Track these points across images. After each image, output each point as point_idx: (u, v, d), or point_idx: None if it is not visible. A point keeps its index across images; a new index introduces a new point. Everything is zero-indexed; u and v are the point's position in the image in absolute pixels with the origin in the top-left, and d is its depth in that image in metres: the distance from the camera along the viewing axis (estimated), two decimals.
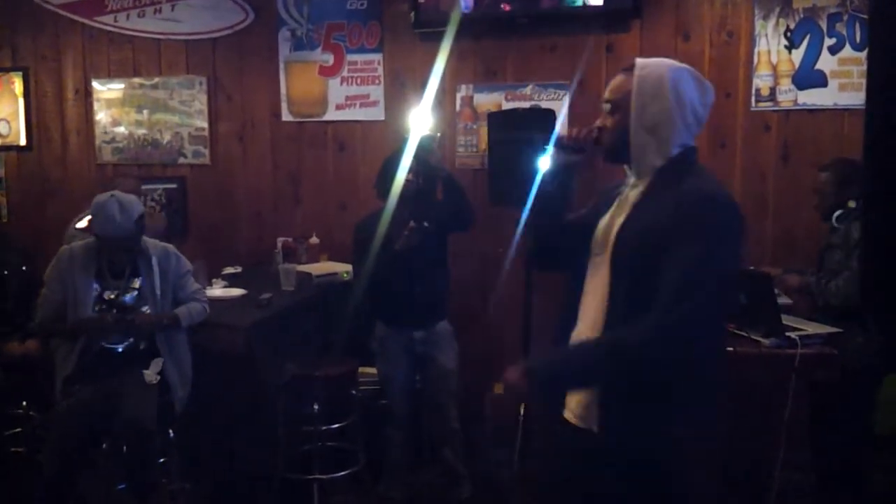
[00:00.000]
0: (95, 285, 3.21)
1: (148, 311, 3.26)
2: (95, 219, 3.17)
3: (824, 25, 4.01)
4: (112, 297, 3.24)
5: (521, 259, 3.88)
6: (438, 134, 3.75)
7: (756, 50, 4.12)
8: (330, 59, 4.75)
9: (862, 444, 3.38)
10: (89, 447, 3.12)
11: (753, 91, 4.14)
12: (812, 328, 3.00)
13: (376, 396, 3.85)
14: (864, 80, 3.95)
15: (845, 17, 3.97)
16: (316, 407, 3.56)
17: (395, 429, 3.63)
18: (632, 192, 1.87)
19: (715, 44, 4.19)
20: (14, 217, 5.33)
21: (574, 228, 1.96)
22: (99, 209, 3.15)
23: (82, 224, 3.92)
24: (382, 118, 4.68)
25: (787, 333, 2.89)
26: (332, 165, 4.84)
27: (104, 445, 3.19)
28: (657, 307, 1.67)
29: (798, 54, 4.06)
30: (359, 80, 4.71)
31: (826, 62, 4.02)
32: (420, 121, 3.75)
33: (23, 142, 5.33)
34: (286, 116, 4.88)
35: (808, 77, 4.05)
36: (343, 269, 4.22)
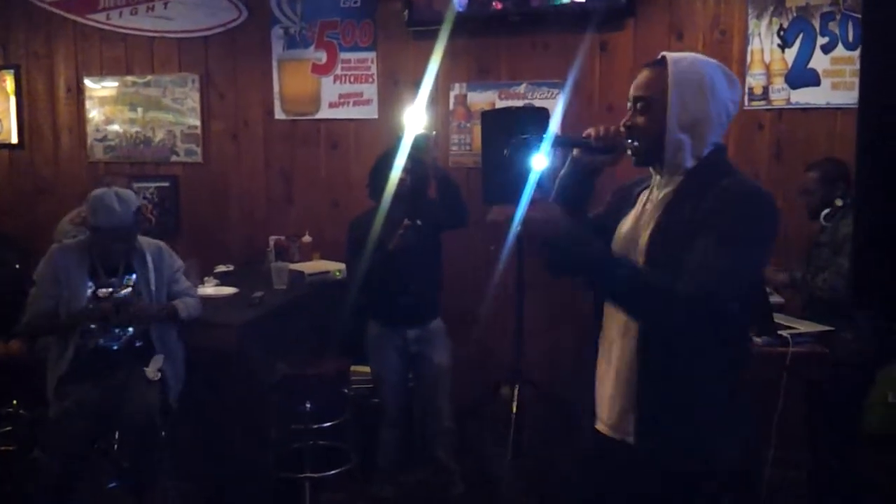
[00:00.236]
0: (89, 283, 3.19)
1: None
2: (94, 211, 3.14)
3: (817, 24, 4.02)
4: (106, 294, 3.22)
5: (515, 257, 3.89)
6: (434, 132, 3.74)
7: (749, 49, 4.13)
8: (323, 57, 4.74)
9: (853, 441, 3.39)
10: (90, 448, 3.11)
11: (746, 90, 4.15)
12: (804, 326, 3.01)
13: (369, 395, 3.85)
14: (856, 80, 3.96)
15: (838, 17, 3.98)
16: (308, 405, 3.56)
17: (388, 427, 3.63)
18: (659, 194, 1.78)
19: (708, 42, 4.20)
20: (5, 215, 5.30)
21: (591, 231, 1.82)
22: (97, 201, 3.14)
23: (74, 216, 3.91)
24: (375, 117, 4.68)
25: (779, 332, 2.90)
26: (324, 164, 4.84)
27: (95, 445, 3.17)
28: (682, 273, 1.59)
29: (791, 53, 4.06)
30: (352, 79, 4.70)
31: (819, 61, 4.03)
32: (414, 119, 3.74)
33: (14, 140, 5.31)
34: (279, 115, 4.87)
35: (800, 76, 4.06)
36: (335, 267, 4.21)
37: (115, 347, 3.23)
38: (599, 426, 1.83)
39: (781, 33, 4.07)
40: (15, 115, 5.29)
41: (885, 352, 3.33)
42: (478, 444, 3.98)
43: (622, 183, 1.97)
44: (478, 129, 4.23)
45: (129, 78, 5.08)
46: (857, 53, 3.92)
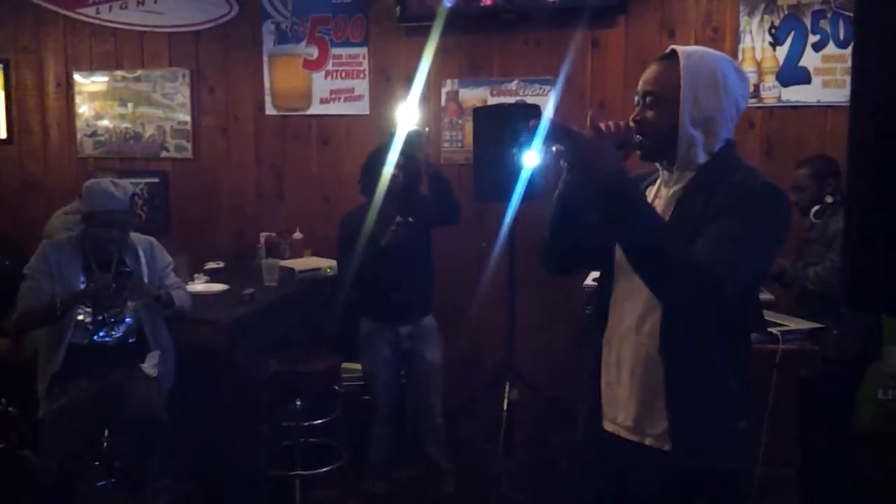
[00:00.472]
0: (82, 278, 3.17)
1: (134, 304, 3.24)
2: (90, 196, 3.13)
3: (808, 22, 4.03)
4: None
5: (506, 254, 3.89)
6: (426, 129, 3.73)
7: (741, 46, 4.13)
8: (314, 52, 4.72)
9: (844, 439, 3.40)
10: (86, 447, 3.09)
11: None
12: (794, 324, 3.01)
13: (360, 392, 3.84)
14: (847, 77, 3.99)
15: (829, 15, 3.99)
16: (299, 402, 3.55)
17: (380, 424, 3.62)
18: (669, 191, 1.74)
19: (700, 40, 4.20)
20: None
21: (593, 228, 1.76)
22: (94, 185, 3.15)
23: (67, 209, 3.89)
24: (367, 112, 4.67)
25: (770, 329, 2.90)
26: (315, 160, 4.82)
27: (92, 444, 3.16)
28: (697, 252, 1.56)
29: (782, 51, 4.07)
30: (343, 74, 4.69)
31: (810, 59, 4.04)
32: (406, 116, 3.74)
33: (3, 135, 5.28)
34: (270, 110, 4.85)
35: (792, 74, 4.07)
36: (326, 264, 4.20)
37: (110, 343, 3.21)
38: (611, 427, 1.79)
39: (773, 31, 4.08)
40: (3, 110, 5.26)
41: (873, 348, 3.35)
42: (469, 442, 3.98)
43: None
44: (470, 126, 4.23)
45: (119, 73, 5.05)
46: (848, 51, 3.95)
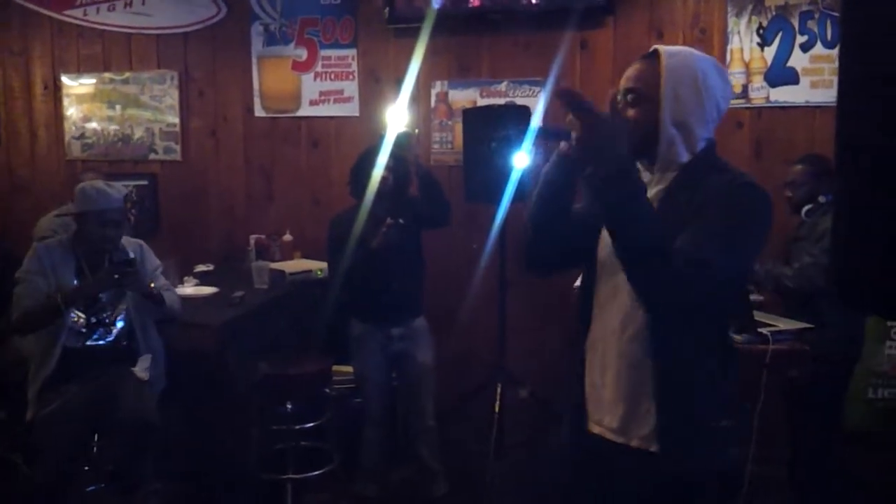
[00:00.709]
0: (75, 282, 3.16)
1: (125, 307, 3.23)
2: (84, 196, 3.13)
3: (796, 23, 4.04)
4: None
5: (497, 255, 3.89)
6: (416, 130, 3.73)
7: (729, 47, 4.15)
8: (303, 54, 4.71)
9: (834, 438, 3.41)
10: (79, 451, 3.07)
11: None
12: (783, 324, 3.02)
13: (351, 395, 3.83)
14: (835, 78, 3.98)
15: (817, 15, 4.01)
16: (289, 406, 3.54)
17: (371, 426, 3.61)
18: (651, 190, 1.71)
19: (688, 41, 4.21)
20: None
21: (575, 226, 1.78)
22: (87, 186, 3.16)
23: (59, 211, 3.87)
24: (357, 114, 4.66)
25: (759, 329, 2.91)
26: (305, 162, 4.81)
27: (85, 448, 3.14)
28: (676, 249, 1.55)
29: (770, 52, 4.09)
30: (332, 76, 4.68)
31: (798, 59, 4.05)
32: (395, 117, 3.73)
33: None
34: (259, 112, 4.84)
35: (780, 74, 4.08)
36: (317, 266, 4.19)
37: (102, 346, 3.19)
38: (597, 429, 1.79)
39: (761, 32, 4.09)
40: None
41: (856, 347, 3.36)
42: (461, 443, 3.98)
43: None
44: (459, 127, 4.23)
45: (107, 75, 5.03)
46: (835, 52, 3.96)
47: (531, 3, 4.20)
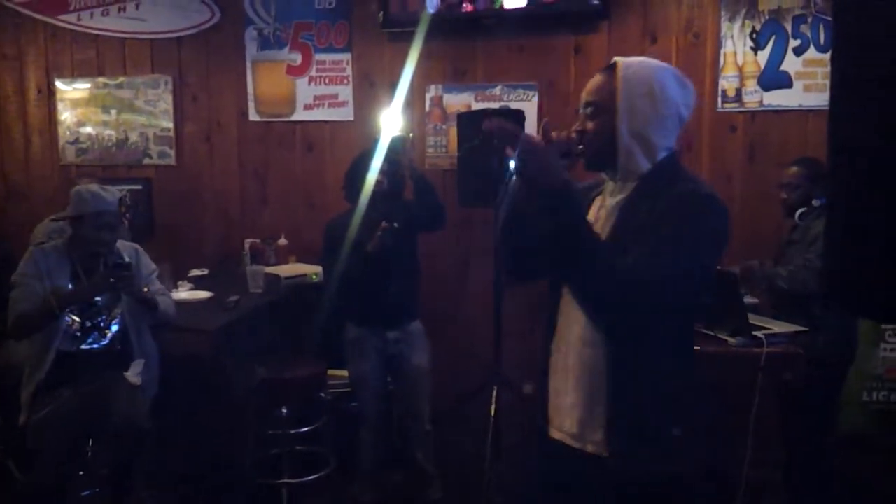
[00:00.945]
0: (70, 286, 3.15)
1: (120, 312, 3.22)
2: (79, 199, 3.13)
3: (789, 27, 4.06)
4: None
5: (493, 259, 3.88)
6: (410, 134, 3.73)
7: (722, 51, 4.16)
8: (298, 58, 4.71)
9: (828, 441, 3.42)
10: (73, 454, 3.06)
11: (719, 92, 4.18)
12: (778, 327, 3.03)
13: (346, 398, 3.83)
14: (828, 82, 4.02)
15: (810, 19, 4.03)
16: (285, 410, 3.53)
17: (367, 430, 3.61)
18: (613, 200, 1.76)
19: (682, 45, 4.23)
20: None
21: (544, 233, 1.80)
22: (82, 189, 3.16)
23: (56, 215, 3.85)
24: (351, 118, 4.66)
25: (754, 332, 2.91)
26: (300, 166, 4.81)
27: (77, 452, 3.13)
28: (623, 259, 1.60)
29: (763, 56, 4.10)
30: (327, 80, 4.68)
31: (791, 63, 4.07)
32: (390, 121, 3.73)
33: None
34: (253, 116, 4.83)
35: (773, 78, 4.10)
36: (312, 270, 4.19)
37: (97, 350, 3.19)
38: (557, 434, 1.81)
39: (754, 36, 4.11)
40: None
41: (849, 350, 3.37)
42: (457, 447, 3.97)
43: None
44: (454, 131, 4.23)
45: (101, 79, 5.02)
46: (828, 56, 3.98)
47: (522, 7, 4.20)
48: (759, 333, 2.91)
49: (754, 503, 2.99)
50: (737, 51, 4.14)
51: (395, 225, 3.37)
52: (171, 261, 4.11)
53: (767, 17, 4.09)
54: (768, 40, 4.09)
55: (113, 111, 5.03)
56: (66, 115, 5.10)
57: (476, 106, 4.42)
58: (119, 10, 4.89)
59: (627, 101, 1.69)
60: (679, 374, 1.72)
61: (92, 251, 3.17)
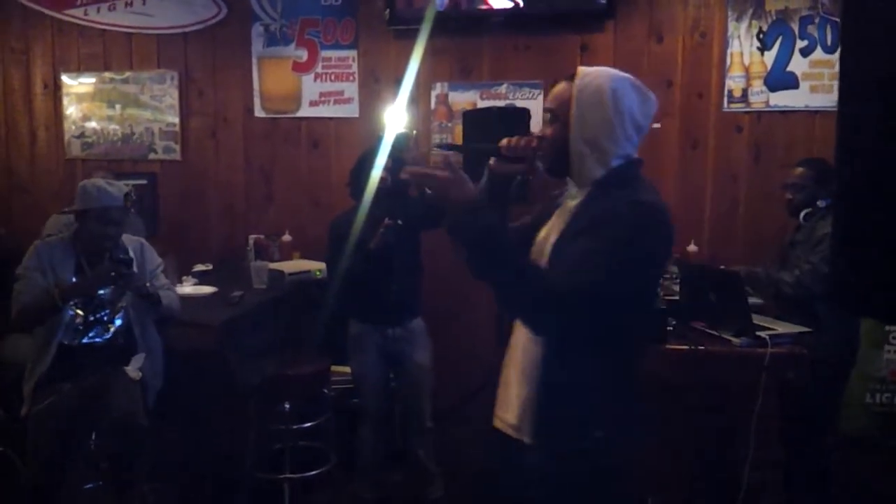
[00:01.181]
0: (73, 279, 3.16)
1: (124, 305, 3.23)
2: (85, 193, 3.12)
3: (796, 28, 4.05)
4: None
5: None
6: (414, 132, 3.73)
7: (729, 51, 4.16)
8: (304, 55, 4.72)
9: (828, 441, 3.42)
10: (72, 447, 3.07)
11: (726, 92, 4.18)
12: (782, 327, 3.02)
13: (349, 395, 3.83)
14: (835, 83, 4.02)
15: (817, 20, 4.02)
16: (287, 406, 3.54)
17: (368, 427, 3.61)
18: (570, 204, 1.82)
19: (688, 45, 4.22)
20: None
21: (515, 238, 1.85)
22: (87, 184, 3.16)
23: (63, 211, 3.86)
24: (357, 115, 4.66)
25: (758, 333, 2.91)
26: (305, 162, 4.81)
27: (77, 445, 3.14)
28: (550, 274, 1.66)
29: (770, 56, 4.10)
30: (333, 77, 4.68)
31: (798, 64, 4.06)
32: (395, 119, 3.73)
33: None
34: (259, 112, 4.84)
35: (779, 79, 4.10)
36: (316, 267, 4.19)
37: (99, 344, 3.19)
38: (500, 424, 1.88)
39: (761, 36, 4.10)
40: None
41: (851, 352, 3.36)
42: (459, 445, 3.97)
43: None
44: (459, 129, 4.23)
45: (108, 74, 5.03)
46: (835, 56, 3.98)
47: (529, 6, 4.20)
48: (763, 334, 2.91)
49: (755, 503, 2.99)
50: (743, 51, 4.13)
51: (399, 222, 3.37)
52: (176, 256, 4.12)
53: (774, 17, 4.08)
54: (775, 41, 4.09)
55: (118, 106, 5.04)
56: (71, 110, 5.11)
57: (481, 104, 4.42)
58: (126, 5, 4.90)
59: (580, 108, 1.74)
60: (609, 380, 1.75)
61: (96, 245, 3.17)
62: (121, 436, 3.01)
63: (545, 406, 1.76)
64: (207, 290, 3.99)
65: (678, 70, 4.25)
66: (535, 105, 4.27)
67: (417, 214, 3.51)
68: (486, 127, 3.67)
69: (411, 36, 4.25)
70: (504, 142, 1.82)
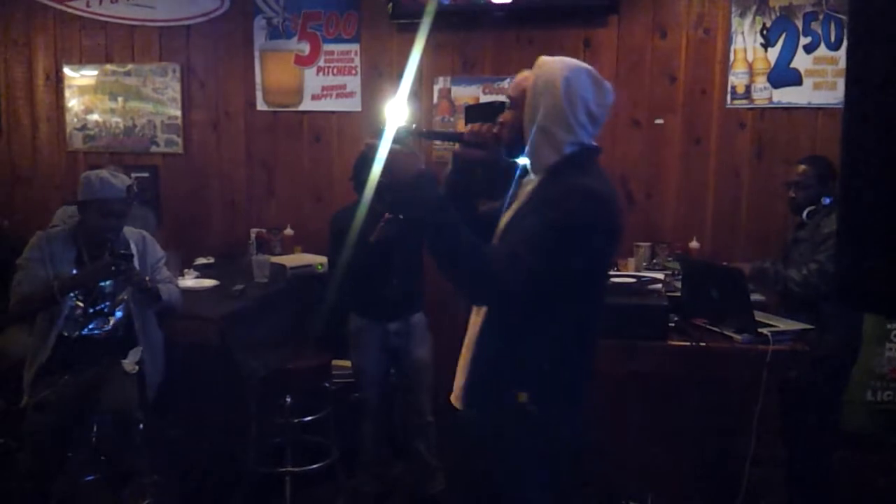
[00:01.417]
0: (75, 271, 3.15)
1: (124, 297, 3.23)
2: (88, 184, 3.11)
3: (800, 24, 4.04)
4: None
5: None
6: (415, 126, 3.72)
7: (732, 47, 4.15)
8: (306, 48, 4.71)
9: (829, 439, 3.41)
10: (69, 438, 3.07)
11: (729, 88, 4.17)
12: (784, 324, 3.02)
13: (350, 389, 3.83)
14: (838, 79, 4.01)
15: (821, 17, 4.01)
16: (288, 399, 3.54)
17: (369, 421, 3.62)
18: (527, 188, 1.89)
19: (691, 41, 4.21)
20: None
21: (483, 223, 1.94)
22: (91, 175, 3.15)
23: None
24: (359, 109, 4.66)
25: (760, 330, 2.91)
26: (307, 156, 4.81)
27: (74, 437, 3.14)
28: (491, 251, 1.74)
29: (774, 52, 4.09)
30: (335, 71, 4.68)
31: (801, 61, 4.05)
32: (396, 112, 3.71)
33: None
34: (261, 106, 4.83)
35: (783, 75, 4.09)
36: (317, 260, 4.19)
37: (98, 336, 3.19)
38: (452, 397, 2.00)
39: (764, 32, 4.09)
40: None
41: (854, 348, 3.36)
42: (459, 439, 3.97)
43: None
44: (461, 124, 4.22)
45: (110, 66, 5.02)
46: (839, 53, 3.97)
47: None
48: (765, 331, 2.90)
49: (756, 501, 2.99)
50: (747, 47, 4.12)
51: (400, 216, 3.36)
52: (178, 249, 4.12)
53: (778, 13, 4.07)
54: (779, 37, 4.08)
55: (120, 98, 5.03)
56: (73, 102, 5.10)
57: (484, 98, 4.42)
58: None
59: (534, 96, 1.82)
60: (540, 355, 1.81)
61: (98, 237, 3.17)
62: (113, 429, 3.01)
63: (473, 373, 1.90)
64: (209, 283, 3.99)
65: (681, 66, 4.24)
66: None
67: None
68: (488, 121, 3.67)
69: (414, 30, 4.25)
70: (467, 128, 1.94)
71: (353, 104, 4.67)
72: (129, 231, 3.31)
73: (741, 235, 4.21)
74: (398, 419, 3.87)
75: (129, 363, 3.16)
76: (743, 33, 4.12)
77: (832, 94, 3.98)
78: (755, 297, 3.35)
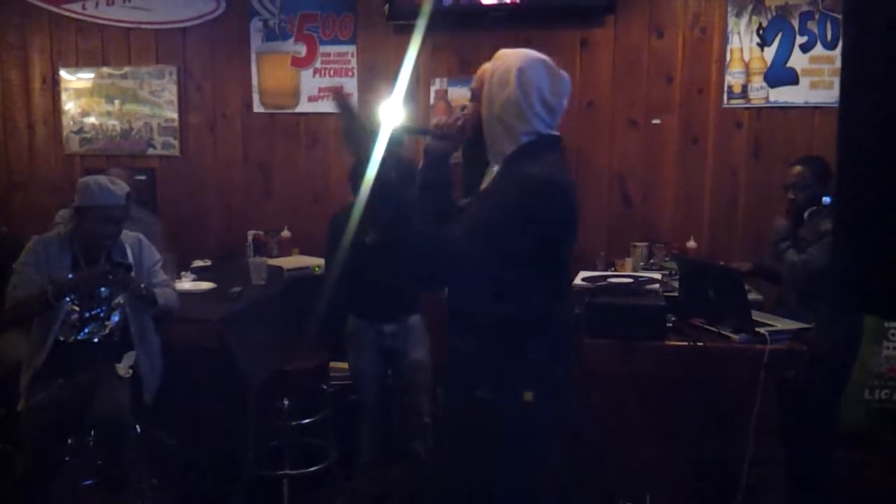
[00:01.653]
0: (71, 276, 3.14)
1: (121, 302, 3.22)
2: (86, 189, 3.09)
3: (796, 24, 4.05)
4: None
5: None
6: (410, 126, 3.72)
7: (729, 47, 4.15)
8: (302, 50, 4.71)
9: (829, 438, 3.41)
10: (63, 442, 3.07)
11: (725, 88, 4.17)
12: (781, 324, 3.02)
13: (348, 391, 3.83)
14: (834, 79, 4.02)
15: (817, 16, 4.01)
16: (286, 402, 3.53)
17: (366, 423, 3.61)
18: (489, 177, 1.94)
19: (688, 40, 4.22)
20: None
21: (458, 214, 1.98)
22: (90, 181, 3.13)
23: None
24: (356, 111, 4.64)
25: (757, 329, 2.91)
26: (304, 158, 4.80)
27: (70, 441, 3.14)
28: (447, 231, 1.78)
29: (770, 52, 4.09)
30: (332, 72, 4.68)
31: (797, 60, 4.06)
32: (391, 113, 3.71)
33: None
34: (258, 108, 4.83)
35: (779, 75, 4.09)
36: (315, 263, 4.19)
37: (95, 341, 3.18)
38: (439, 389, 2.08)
39: (761, 32, 4.10)
40: None
41: (853, 347, 3.35)
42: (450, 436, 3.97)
43: None
44: None
45: (106, 69, 5.02)
46: (835, 52, 3.98)
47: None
48: (762, 330, 2.91)
49: (754, 501, 2.99)
50: (743, 46, 4.13)
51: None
52: (174, 251, 4.10)
53: (774, 13, 4.07)
54: (775, 36, 4.08)
55: (117, 101, 5.02)
56: (69, 105, 5.09)
57: None
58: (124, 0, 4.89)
59: (489, 87, 1.87)
60: (500, 345, 1.90)
61: (95, 243, 3.16)
62: (104, 432, 3.00)
63: (446, 368, 2.02)
64: (206, 285, 3.99)
65: (678, 65, 4.24)
66: None
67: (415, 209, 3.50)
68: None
69: (410, 31, 4.25)
70: (435, 120, 1.99)
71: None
72: (126, 235, 3.30)
73: (738, 235, 4.21)
74: (396, 421, 3.87)
75: (123, 367, 3.15)
76: (739, 33, 4.13)
77: (828, 94, 3.99)
78: (752, 296, 3.36)
